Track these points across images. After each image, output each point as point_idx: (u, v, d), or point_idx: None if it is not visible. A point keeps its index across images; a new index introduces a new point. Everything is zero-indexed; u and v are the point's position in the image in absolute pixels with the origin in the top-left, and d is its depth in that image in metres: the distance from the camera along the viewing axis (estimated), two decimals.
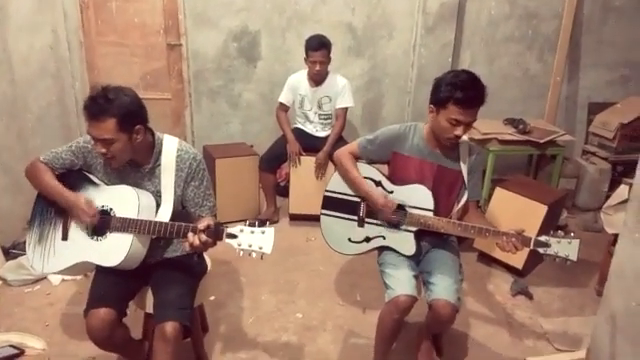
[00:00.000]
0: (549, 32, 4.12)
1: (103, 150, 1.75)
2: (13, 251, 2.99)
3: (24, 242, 2.94)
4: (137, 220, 1.79)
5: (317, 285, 2.94)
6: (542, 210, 2.90)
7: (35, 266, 1.96)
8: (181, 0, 3.86)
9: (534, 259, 2.99)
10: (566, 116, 4.36)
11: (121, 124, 1.72)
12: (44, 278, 2.81)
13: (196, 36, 3.97)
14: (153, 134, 1.89)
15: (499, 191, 3.13)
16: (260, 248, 1.65)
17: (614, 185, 3.64)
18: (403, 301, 1.95)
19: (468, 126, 1.96)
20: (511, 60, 4.19)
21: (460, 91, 1.89)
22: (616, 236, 2.04)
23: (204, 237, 1.69)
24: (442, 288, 1.98)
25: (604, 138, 4.03)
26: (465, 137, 2.13)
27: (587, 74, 4.26)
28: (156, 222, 1.79)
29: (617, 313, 1.86)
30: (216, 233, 1.68)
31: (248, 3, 3.92)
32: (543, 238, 1.86)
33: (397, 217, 2.11)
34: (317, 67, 3.43)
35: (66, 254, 1.90)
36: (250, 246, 1.65)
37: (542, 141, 3.60)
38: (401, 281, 2.00)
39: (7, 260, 2.91)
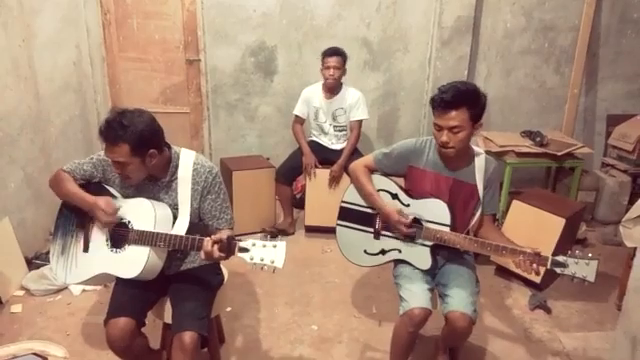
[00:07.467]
0: (566, 44, 4.11)
1: (119, 171, 1.83)
2: (36, 261, 3.05)
3: (46, 252, 3.03)
4: (153, 233, 1.83)
5: (332, 297, 2.94)
6: (560, 223, 2.87)
7: (59, 277, 2.01)
8: (200, 17, 3.96)
9: (552, 273, 2.96)
10: (584, 128, 4.33)
11: (134, 150, 1.76)
12: (65, 288, 2.87)
13: (214, 52, 4.05)
14: (170, 148, 1.94)
15: (516, 204, 3.10)
16: (272, 262, 1.66)
17: (634, 198, 3.58)
18: (417, 314, 1.94)
19: (452, 133, 1.93)
20: (528, 72, 4.18)
21: (436, 95, 1.94)
22: (635, 249, 2.02)
23: (217, 252, 1.71)
24: (458, 300, 1.97)
25: (623, 150, 3.98)
26: (481, 150, 2.13)
27: (605, 86, 4.23)
28: (171, 235, 1.83)
29: (637, 328, 1.84)
30: (228, 247, 1.70)
31: (265, 19, 4.00)
32: (561, 258, 1.82)
33: (413, 231, 2.11)
34: (331, 72, 3.44)
35: (87, 266, 1.95)
36: (262, 260, 1.66)
37: (560, 153, 3.58)
38: (416, 294, 2.00)
39: (30, 270, 2.97)
